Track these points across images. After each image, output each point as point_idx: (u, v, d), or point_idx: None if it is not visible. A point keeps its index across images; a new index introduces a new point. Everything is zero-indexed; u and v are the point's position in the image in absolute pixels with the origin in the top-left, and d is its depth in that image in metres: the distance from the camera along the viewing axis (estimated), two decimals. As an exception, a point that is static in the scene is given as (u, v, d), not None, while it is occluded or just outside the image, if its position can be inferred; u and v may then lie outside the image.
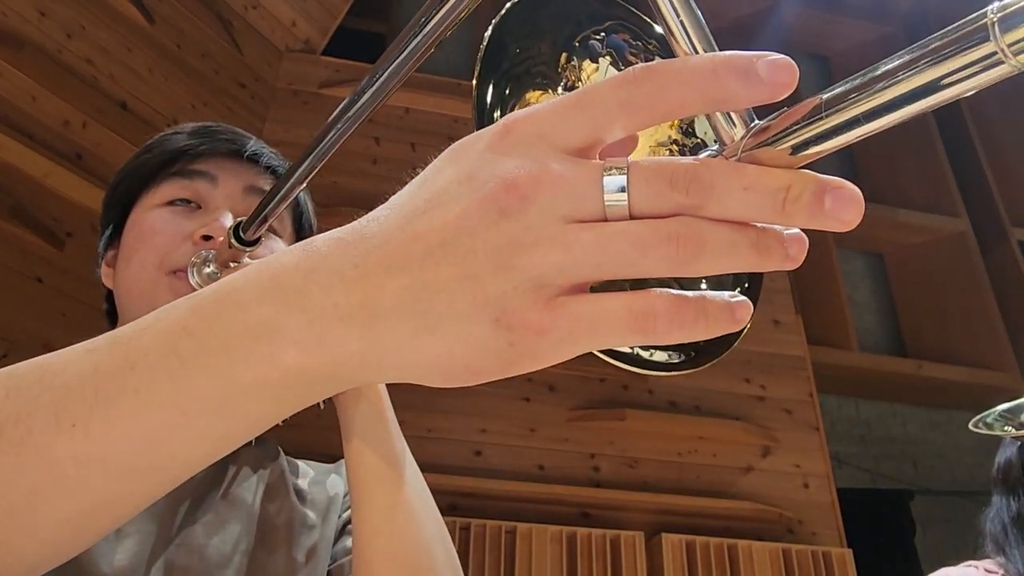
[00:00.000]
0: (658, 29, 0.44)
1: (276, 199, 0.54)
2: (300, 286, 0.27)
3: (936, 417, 4.28)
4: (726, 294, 0.25)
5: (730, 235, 0.24)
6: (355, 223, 0.28)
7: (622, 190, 0.24)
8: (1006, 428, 1.33)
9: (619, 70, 0.33)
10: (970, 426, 1.39)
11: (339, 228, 0.29)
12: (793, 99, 0.24)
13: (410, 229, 0.26)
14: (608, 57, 0.41)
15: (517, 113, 0.26)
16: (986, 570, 1.22)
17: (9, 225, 2.29)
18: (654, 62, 0.24)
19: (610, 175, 0.24)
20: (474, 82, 0.36)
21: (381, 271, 0.26)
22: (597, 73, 0.41)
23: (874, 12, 4.80)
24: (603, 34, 0.42)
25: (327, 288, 0.27)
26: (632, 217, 0.24)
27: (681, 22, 0.29)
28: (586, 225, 0.24)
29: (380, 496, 0.57)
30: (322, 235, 0.29)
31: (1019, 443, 1.29)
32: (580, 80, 0.40)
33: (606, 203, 0.24)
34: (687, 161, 0.24)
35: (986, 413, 1.36)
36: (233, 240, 0.60)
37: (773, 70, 0.23)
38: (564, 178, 0.24)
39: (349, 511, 0.66)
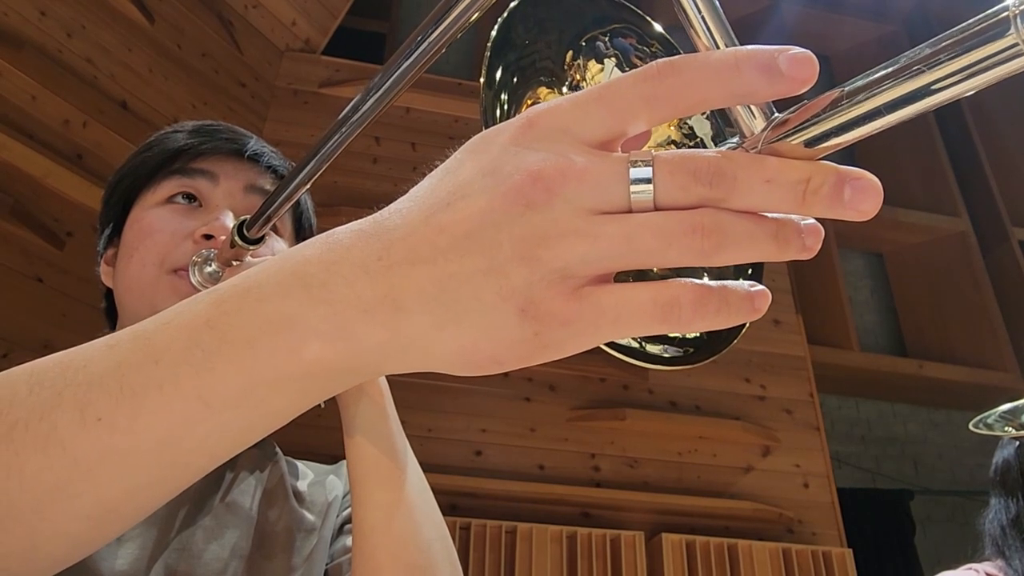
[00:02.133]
0: (657, 28, 0.44)
1: (281, 198, 0.54)
2: (323, 279, 0.27)
3: (936, 417, 4.29)
4: (745, 284, 0.25)
5: (751, 227, 0.24)
6: (375, 215, 0.28)
7: (647, 182, 0.24)
8: (1007, 429, 1.33)
9: (623, 72, 0.33)
10: (970, 426, 1.39)
11: (358, 221, 0.28)
12: (796, 99, 0.24)
13: (434, 221, 0.26)
14: (613, 59, 0.41)
15: (539, 107, 0.26)
16: (987, 573, 1.21)
17: (9, 225, 2.29)
18: (676, 56, 0.24)
19: (636, 167, 0.24)
20: (484, 67, 0.37)
21: (406, 263, 0.26)
22: (602, 74, 0.41)
23: (875, 12, 4.80)
24: (609, 36, 0.42)
25: (351, 281, 0.27)
26: (656, 209, 0.24)
27: (702, 17, 0.29)
28: (611, 217, 0.24)
29: (380, 493, 0.57)
30: (342, 228, 0.29)
31: (1017, 444, 1.28)
32: (584, 79, 0.40)
33: (632, 195, 0.24)
34: (710, 154, 0.24)
35: (987, 414, 1.36)
36: (237, 238, 0.60)
37: (794, 65, 0.23)
38: (589, 171, 0.25)
39: (348, 510, 0.66)
